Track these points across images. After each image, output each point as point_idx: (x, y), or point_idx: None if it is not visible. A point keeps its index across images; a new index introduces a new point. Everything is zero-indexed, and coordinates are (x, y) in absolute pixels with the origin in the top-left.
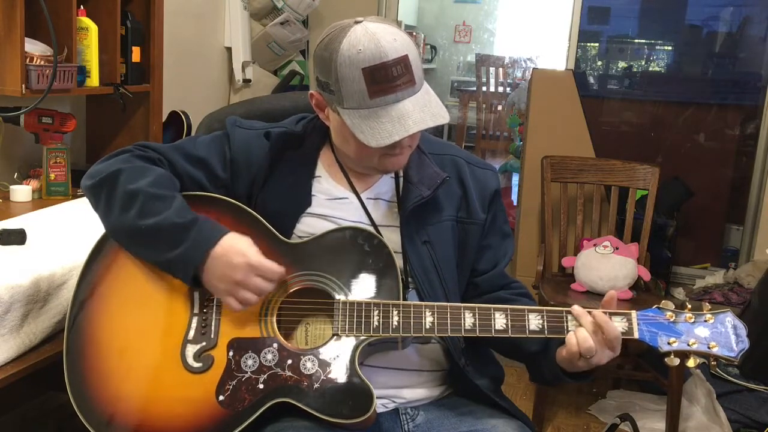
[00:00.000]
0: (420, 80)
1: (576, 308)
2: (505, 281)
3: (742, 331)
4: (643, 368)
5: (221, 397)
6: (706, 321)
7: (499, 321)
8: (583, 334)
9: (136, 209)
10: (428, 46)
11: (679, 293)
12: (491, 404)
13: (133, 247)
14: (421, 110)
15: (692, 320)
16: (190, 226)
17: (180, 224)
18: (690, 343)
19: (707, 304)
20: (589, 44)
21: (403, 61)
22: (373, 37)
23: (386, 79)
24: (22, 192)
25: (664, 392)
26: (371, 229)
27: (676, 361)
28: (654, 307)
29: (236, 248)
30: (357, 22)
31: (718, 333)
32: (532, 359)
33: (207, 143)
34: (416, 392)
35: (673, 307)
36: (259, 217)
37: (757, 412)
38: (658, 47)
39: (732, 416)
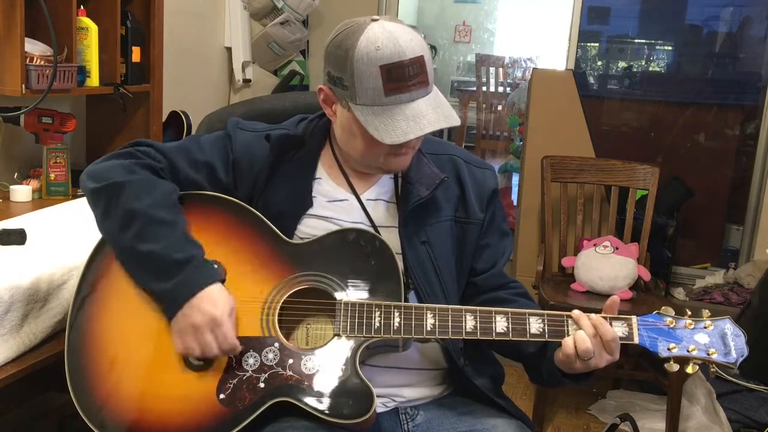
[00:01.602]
0: (432, 81)
1: (576, 312)
2: (503, 281)
3: (742, 338)
4: (643, 368)
5: (222, 396)
6: (705, 328)
7: (500, 324)
8: (581, 335)
9: (134, 230)
10: (428, 46)
11: (679, 293)
12: (491, 404)
13: (125, 265)
14: (435, 111)
15: (692, 326)
16: (185, 262)
17: (175, 260)
18: (689, 350)
19: (707, 311)
20: (589, 44)
21: (419, 61)
22: (391, 36)
23: (402, 78)
24: (22, 192)
25: (664, 392)
26: (374, 231)
27: (676, 367)
28: (654, 312)
29: (213, 298)
30: (374, 20)
31: (717, 340)
32: (530, 360)
33: (210, 145)
34: (416, 391)
35: (674, 312)
36: (263, 217)
37: (757, 412)
38: (658, 47)
39: (732, 416)
